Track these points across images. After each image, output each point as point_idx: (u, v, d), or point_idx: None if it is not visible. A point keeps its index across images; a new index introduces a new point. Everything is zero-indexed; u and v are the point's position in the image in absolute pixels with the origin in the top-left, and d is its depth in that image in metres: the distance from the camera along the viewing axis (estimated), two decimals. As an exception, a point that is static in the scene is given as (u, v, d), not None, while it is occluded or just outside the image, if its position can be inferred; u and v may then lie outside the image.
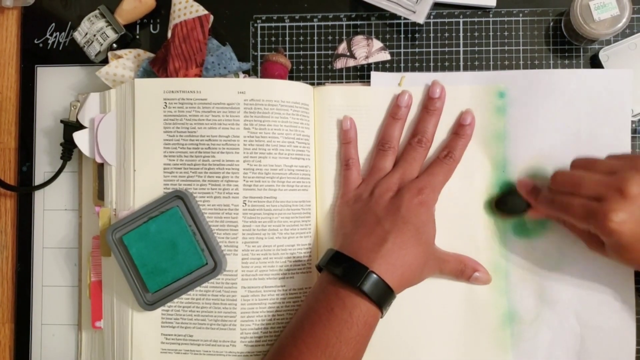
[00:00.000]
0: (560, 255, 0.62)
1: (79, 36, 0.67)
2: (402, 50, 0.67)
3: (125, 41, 0.68)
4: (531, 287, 0.63)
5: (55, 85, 0.70)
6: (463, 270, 0.62)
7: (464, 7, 0.67)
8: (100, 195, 0.65)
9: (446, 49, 0.67)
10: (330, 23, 0.68)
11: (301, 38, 0.68)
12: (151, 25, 0.70)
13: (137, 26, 0.70)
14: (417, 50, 0.67)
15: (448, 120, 0.64)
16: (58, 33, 0.70)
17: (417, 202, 0.59)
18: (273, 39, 0.69)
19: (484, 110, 0.64)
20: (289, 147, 0.62)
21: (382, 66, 0.67)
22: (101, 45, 0.67)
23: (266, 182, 0.62)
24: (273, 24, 0.69)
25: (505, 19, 0.66)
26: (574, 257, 0.62)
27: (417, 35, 0.67)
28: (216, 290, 0.61)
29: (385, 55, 0.67)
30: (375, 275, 0.54)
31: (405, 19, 0.67)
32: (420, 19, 0.64)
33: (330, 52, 0.68)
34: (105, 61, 0.67)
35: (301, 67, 0.68)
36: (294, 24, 0.68)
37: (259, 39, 0.69)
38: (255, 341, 0.61)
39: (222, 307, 0.61)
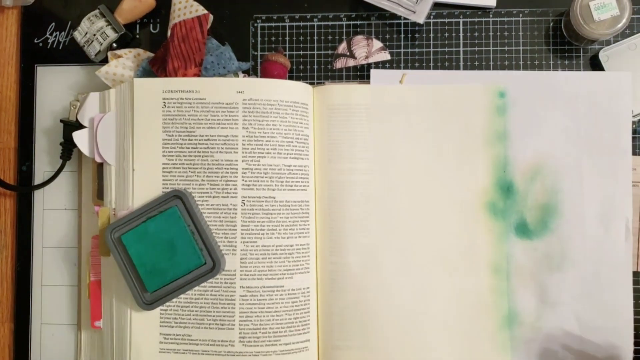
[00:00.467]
0: (561, 257, 0.62)
1: (78, 36, 0.67)
2: (402, 50, 0.67)
3: (125, 41, 0.68)
4: (532, 288, 0.62)
5: (55, 85, 0.70)
6: None
7: (464, 7, 0.67)
8: (99, 194, 0.65)
9: (446, 49, 0.67)
10: (330, 23, 0.68)
11: (301, 38, 0.68)
12: (151, 25, 0.70)
13: (137, 26, 0.70)
14: (417, 50, 0.67)
15: (450, 121, 0.64)
16: (58, 32, 0.70)
17: None
18: (273, 38, 0.68)
19: (484, 110, 0.63)
20: (288, 146, 0.62)
21: (382, 66, 0.67)
22: (101, 44, 0.67)
23: (265, 181, 0.62)
24: (273, 24, 0.69)
25: (505, 19, 0.66)
26: (575, 258, 0.62)
27: (417, 35, 0.67)
28: (215, 290, 0.61)
29: (385, 55, 0.67)
30: None
31: (405, 19, 0.67)
32: (420, 19, 0.64)
33: (330, 52, 0.68)
34: (105, 61, 0.67)
35: (301, 67, 0.68)
36: (294, 23, 0.68)
37: (258, 38, 0.69)
38: (254, 341, 0.61)
39: (220, 307, 0.61)
